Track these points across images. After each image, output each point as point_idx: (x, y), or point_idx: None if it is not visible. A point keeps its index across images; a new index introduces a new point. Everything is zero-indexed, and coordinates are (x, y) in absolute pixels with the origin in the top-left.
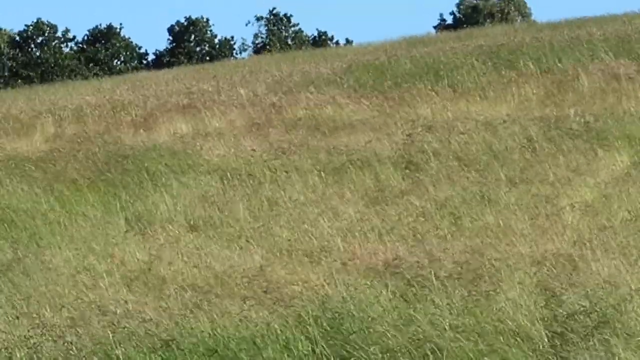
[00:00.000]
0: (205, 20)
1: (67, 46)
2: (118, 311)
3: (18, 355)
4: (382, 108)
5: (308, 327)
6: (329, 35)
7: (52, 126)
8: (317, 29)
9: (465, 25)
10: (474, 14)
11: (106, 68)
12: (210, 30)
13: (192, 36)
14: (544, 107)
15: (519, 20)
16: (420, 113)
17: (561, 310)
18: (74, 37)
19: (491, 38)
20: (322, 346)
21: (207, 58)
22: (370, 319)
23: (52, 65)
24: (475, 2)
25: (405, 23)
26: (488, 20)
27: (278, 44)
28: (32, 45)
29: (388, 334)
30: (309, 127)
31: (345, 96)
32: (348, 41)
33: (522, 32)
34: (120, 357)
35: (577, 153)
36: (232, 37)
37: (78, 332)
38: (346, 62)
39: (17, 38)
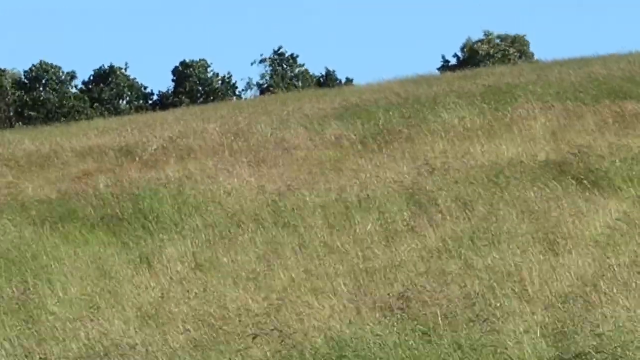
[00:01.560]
0: (204, 60)
1: (71, 86)
2: (125, 351)
3: None
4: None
5: None
6: (333, 73)
7: (59, 166)
8: (325, 68)
9: (468, 66)
10: (475, 56)
11: (111, 108)
12: (212, 71)
13: (193, 77)
14: (549, 146)
15: (520, 60)
16: (426, 152)
17: (570, 350)
18: (74, 76)
19: (497, 77)
20: None
21: (211, 98)
22: (378, 358)
23: (57, 105)
24: (478, 44)
25: (407, 63)
26: (488, 61)
27: (281, 84)
28: (37, 86)
29: None
30: (313, 165)
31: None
32: (348, 80)
33: (527, 71)
34: None
35: (583, 193)
36: (229, 75)
37: None
38: (350, 102)
39: (23, 79)
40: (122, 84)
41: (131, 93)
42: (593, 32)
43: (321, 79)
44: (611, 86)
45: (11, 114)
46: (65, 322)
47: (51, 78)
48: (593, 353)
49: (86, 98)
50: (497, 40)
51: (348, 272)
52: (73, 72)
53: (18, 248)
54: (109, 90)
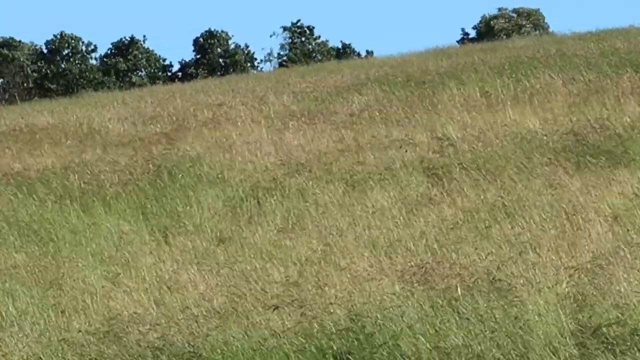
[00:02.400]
0: (225, 33)
1: (91, 58)
2: (144, 322)
3: None
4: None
5: (336, 338)
6: (350, 47)
7: (79, 138)
8: (341, 41)
9: (486, 40)
10: (492, 29)
11: (130, 80)
12: (234, 43)
13: (216, 48)
14: (569, 119)
15: (535, 34)
16: (446, 123)
17: (591, 320)
18: (95, 48)
19: (517, 50)
20: (350, 358)
21: (231, 70)
22: (399, 329)
23: (77, 77)
24: (494, 20)
25: (428, 36)
26: (505, 35)
27: (302, 57)
28: (58, 58)
29: (416, 345)
30: (332, 136)
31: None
32: (368, 52)
33: (547, 44)
34: None
35: (603, 166)
36: (247, 47)
37: (106, 347)
38: (370, 74)
39: (44, 49)
40: (140, 56)
41: (149, 65)
42: (613, 5)
43: (338, 50)
44: (632, 58)
45: (30, 85)
46: (85, 293)
47: (72, 50)
48: (614, 325)
49: (106, 70)
50: (512, 14)
51: (368, 244)
52: (93, 44)
53: (39, 220)
54: (128, 62)
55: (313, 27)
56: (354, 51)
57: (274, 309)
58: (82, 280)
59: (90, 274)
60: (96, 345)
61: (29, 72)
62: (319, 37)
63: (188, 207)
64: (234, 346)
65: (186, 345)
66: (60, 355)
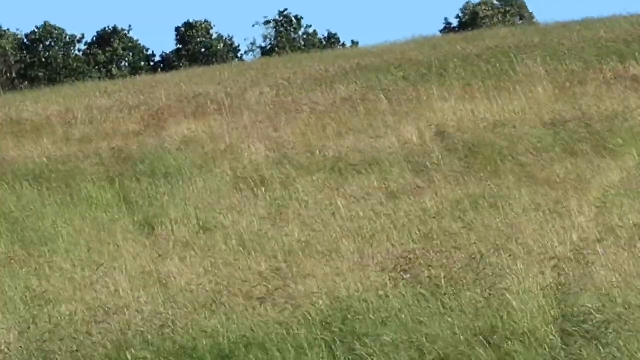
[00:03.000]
0: (207, 22)
1: (75, 49)
2: (130, 313)
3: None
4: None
5: (319, 328)
6: (336, 36)
7: (61, 128)
8: (327, 30)
9: (469, 29)
10: (475, 18)
11: (114, 70)
12: (217, 32)
13: (196, 38)
14: (552, 108)
15: (520, 23)
16: (429, 114)
17: (573, 310)
18: (82, 37)
19: (500, 39)
20: (333, 347)
21: (213, 60)
22: (381, 320)
23: (61, 66)
24: (478, 6)
25: (411, 26)
26: (489, 23)
27: (287, 46)
28: (40, 48)
29: (399, 335)
30: (314, 126)
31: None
32: (354, 43)
33: (530, 33)
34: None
35: (586, 155)
36: (231, 38)
37: (91, 334)
38: (354, 64)
39: (25, 40)
40: (123, 46)
41: (133, 55)
42: None
43: (324, 40)
44: (614, 48)
45: (14, 75)
46: (70, 282)
47: (55, 40)
48: (595, 314)
49: (89, 60)
50: (496, 2)
51: (351, 233)
52: (77, 35)
53: (21, 210)
54: (112, 52)
55: (301, 17)
56: (339, 41)
57: (260, 302)
58: (65, 271)
59: (74, 264)
60: (80, 334)
61: (12, 62)
62: (311, 25)
63: (172, 197)
64: (218, 336)
65: (170, 335)
66: (44, 345)
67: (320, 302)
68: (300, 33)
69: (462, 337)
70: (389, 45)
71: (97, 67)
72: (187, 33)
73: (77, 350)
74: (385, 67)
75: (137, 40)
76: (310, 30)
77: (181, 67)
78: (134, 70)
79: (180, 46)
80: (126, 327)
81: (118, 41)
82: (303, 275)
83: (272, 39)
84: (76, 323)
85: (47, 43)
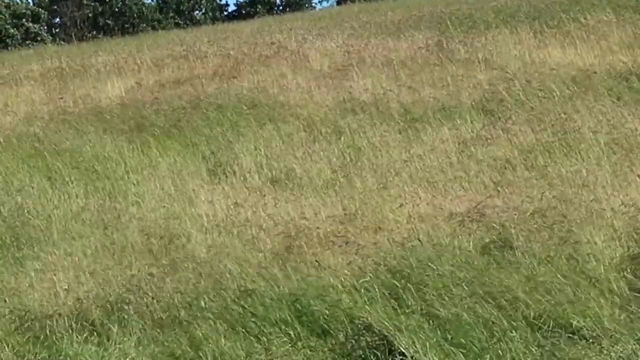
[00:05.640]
0: None
1: None
2: (202, 260)
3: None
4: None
5: (388, 277)
6: None
7: (134, 76)
8: None
9: None
10: None
11: (188, 20)
12: None
13: None
14: (625, 55)
15: None
16: (502, 61)
17: None
18: None
19: None
20: (404, 298)
21: (287, 8)
22: (454, 267)
23: (135, 16)
24: None
25: None
26: None
27: None
28: None
29: (471, 283)
30: (388, 75)
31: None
32: None
33: None
34: (204, 306)
35: None
36: None
37: (165, 281)
38: (428, 11)
39: None
40: None
41: (207, 4)
42: None
43: None
44: None
45: (88, 25)
46: (144, 232)
47: None
48: None
49: (163, 9)
50: None
51: (423, 182)
52: None
53: (95, 158)
54: (186, 2)
55: None
56: None
57: (327, 250)
58: (141, 219)
59: (150, 213)
60: (155, 284)
61: (86, 11)
62: None
63: (244, 145)
64: (287, 284)
65: (241, 282)
66: (119, 293)
67: (391, 252)
68: None
69: (532, 285)
70: None
71: (171, 16)
72: None
73: (151, 296)
74: (460, 15)
75: None
76: None
77: (256, 16)
78: (208, 19)
79: None
80: (198, 275)
81: None
82: (374, 223)
83: None
84: (156, 269)
85: None
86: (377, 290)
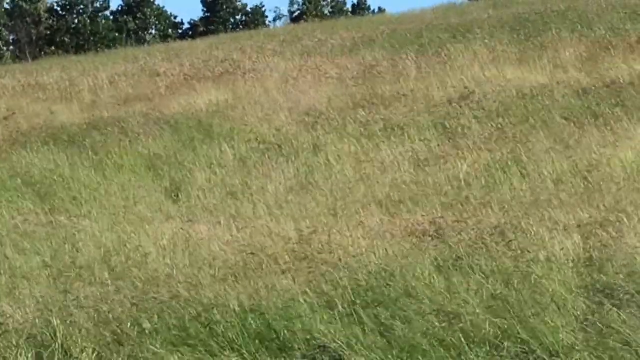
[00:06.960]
0: None
1: (102, 16)
2: (156, 280)
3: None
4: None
5: (346, 295)
6: (365, 2)
7: (89, 94)
8: None
9: None
10: None
11: (141, 38)
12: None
13: (224, 5)
14: (579, 73)
15: None
16: (457, 78)
17: (600, 278)
18: (108, 5)
19: (527, 6)
20: (361, 316)
21: (240, 27)
22: (409, 285)
23: (88, 34)
24: None
25: None
26: None
27: (313, 12)
28: (71, 14)
29: (427, 302)
30: (342, 92)
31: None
32: (380, 9)
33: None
34: (159, 324)
35: (615, 121)
36: (262, 4)
37: (117, 305)
38: (382, 30)
39: (56, 7)
40: (150, 13)
41: (159, 22)
42: None
43: (352, 7)
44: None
45: (42, 42)
46: (97, 250)
47: (83, 7)
48: (622, 284)
49: (117, 27)
50: None
51: (378, 200)
52: (105, 1)
53: (49, 175)
54: (138, 20)
55: None
56: (368, 8)
57: (282, 273)
58: (94, 237)
59: (103, 232)
60: (108, 304)
61: (42, 28)
62: None
63: (198, 163)
64: (242, 307)
65: (197, 303)
66: (70, 315)
67: (347, 269)
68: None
69: (489, 303)
70: (417, 12)
71: (126, 35)
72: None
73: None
74: (414, 33)
75: (164, 8)
76: None
77: (208, 34)
78: (163, 38)
79: (208, 13)
80: (155, 296)
81: (147, 8)
82: (330, 241)
83: (300, 5)
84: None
85: (75, 10)
86: (333, 309)
